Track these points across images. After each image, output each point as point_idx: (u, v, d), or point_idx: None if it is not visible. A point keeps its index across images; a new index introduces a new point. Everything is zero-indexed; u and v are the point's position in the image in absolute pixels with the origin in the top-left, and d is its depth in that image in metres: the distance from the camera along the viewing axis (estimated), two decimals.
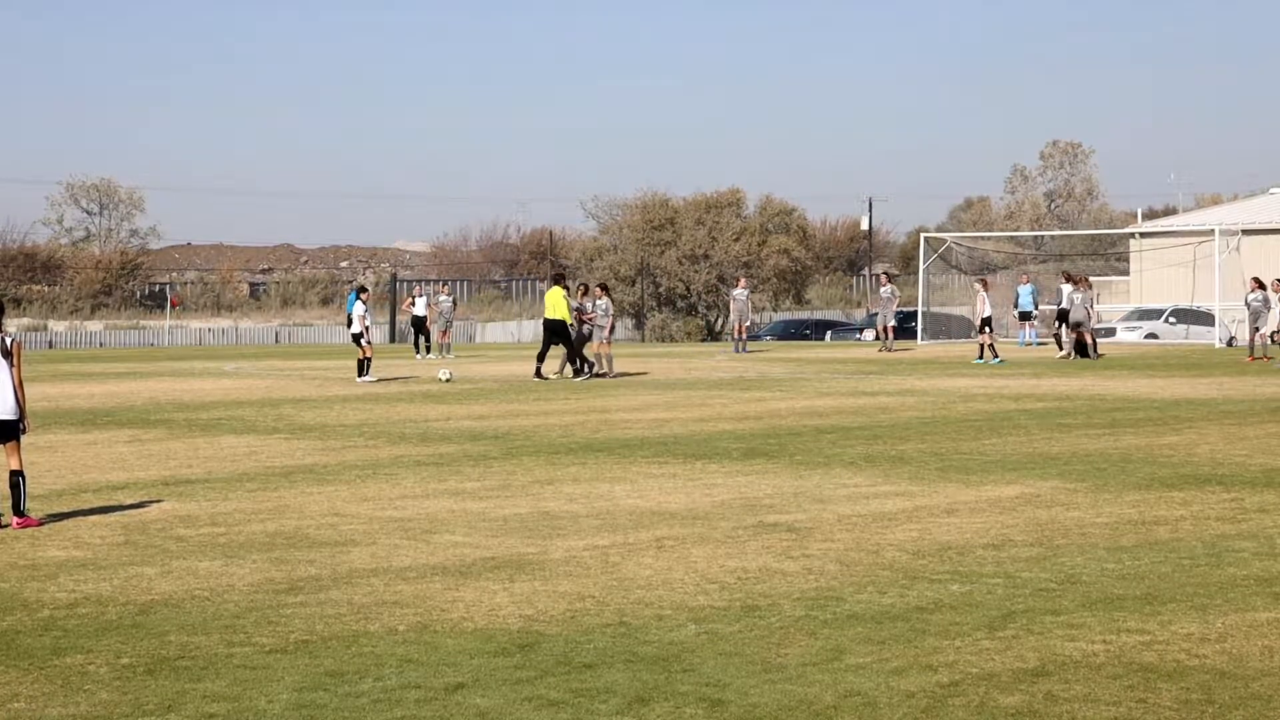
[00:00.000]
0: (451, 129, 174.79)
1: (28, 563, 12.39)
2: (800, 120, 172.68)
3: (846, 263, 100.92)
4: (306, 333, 72.83)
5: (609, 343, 35.46)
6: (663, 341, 66.10)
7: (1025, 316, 47.25)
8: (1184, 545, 12.48)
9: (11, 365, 14.15)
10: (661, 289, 71.19)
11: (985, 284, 42.88)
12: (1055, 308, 43.08)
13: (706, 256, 70.70)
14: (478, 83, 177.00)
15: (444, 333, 47.07)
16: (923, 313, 54.01)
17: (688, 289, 70.95)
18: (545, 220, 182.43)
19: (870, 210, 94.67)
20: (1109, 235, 69.38)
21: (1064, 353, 41.05)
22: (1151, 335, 51.41)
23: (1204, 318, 50.76)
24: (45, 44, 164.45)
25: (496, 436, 21.80)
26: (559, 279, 36.28)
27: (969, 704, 8.04)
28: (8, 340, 14.19)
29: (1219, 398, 26.99)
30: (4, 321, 14.47)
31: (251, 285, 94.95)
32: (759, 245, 72.37)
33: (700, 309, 71.81)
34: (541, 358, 34.69)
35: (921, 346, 50.16)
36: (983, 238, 69.92)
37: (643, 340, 67.49)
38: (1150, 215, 76.17)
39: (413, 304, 46.76)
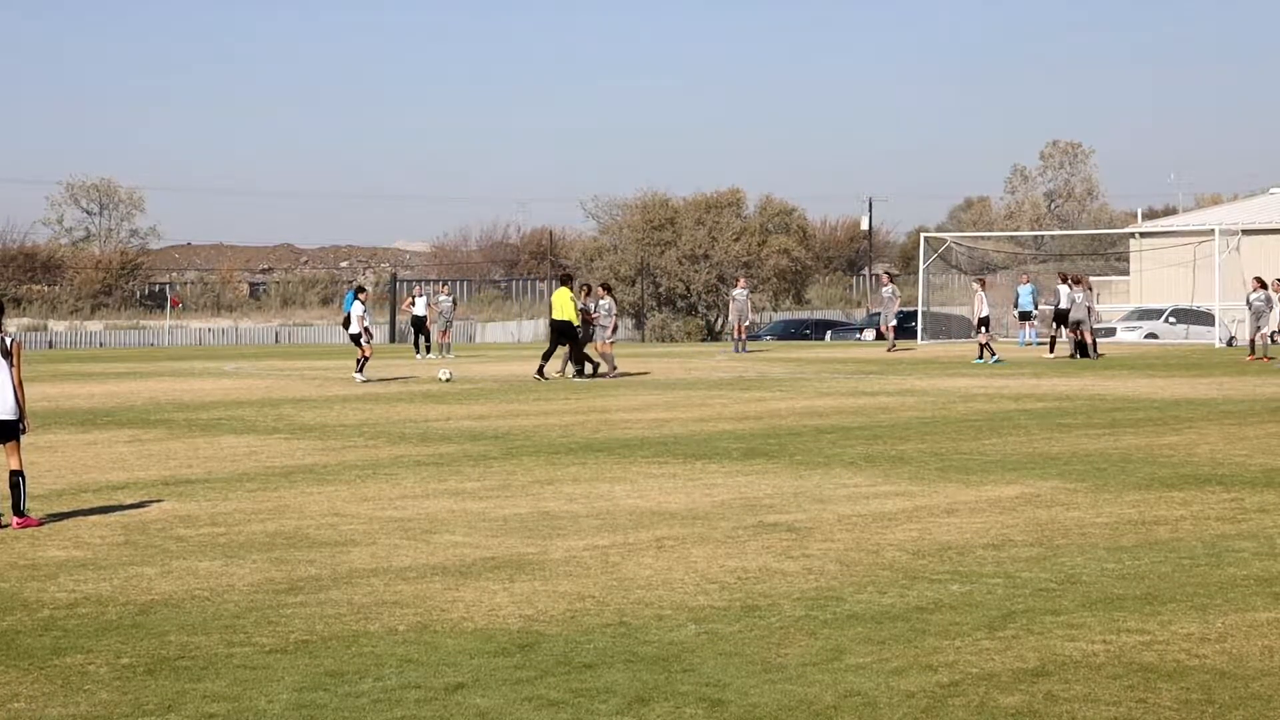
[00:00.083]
0: (451, 129, 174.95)
1: (28, 563, 12.39)
2: (800, 120, 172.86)
3: (846, 263, 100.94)
4: (306, 333, 72.82)
5: (611, 342, 35.48)
6: (663, 341, 66.11)
7: (1025, 316, 47.28)
8: (1184, 545, 12.48)
9: (11, 365, 14.15)
10: (661, 289, 71.19)
11: (983, 284, 42.93)
12: (1053, 308, 43.10)
13: (706, 256, 70.71)
14: (478, 83, 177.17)
15: (444, 333, 47.08)
16: (923, 313, 54.02)
17: (688, 289, 70.95)
18: (545, 220, 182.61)
19: (870, 210, 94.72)
20: (1109, 235, 69.41)
21: (1053, 353, 41.08)
22: (1151, 335, 51.42)
23: (1204, 318, 50.76)
24: (45, 44, 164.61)
25: (496, 436, 21.80)
26: (566, 279, 36.19)
27: (969, 704, 8.04)
28: (8, 340, 14.19)
29: (1219, 398, 26.99)
30: (4, 321, 14.47)
31: (251, 285, 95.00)
32: (759, 245, 72.38)
33: (700, 309, 71.82)
34: (547, 357, 34.68)
35: (922, 346, 50.15)
36: (983, 238, 69.93)
37: (643, 340, 67.49)
38: (1150, 215, 76.21)
39: (413, 304, 46.76)
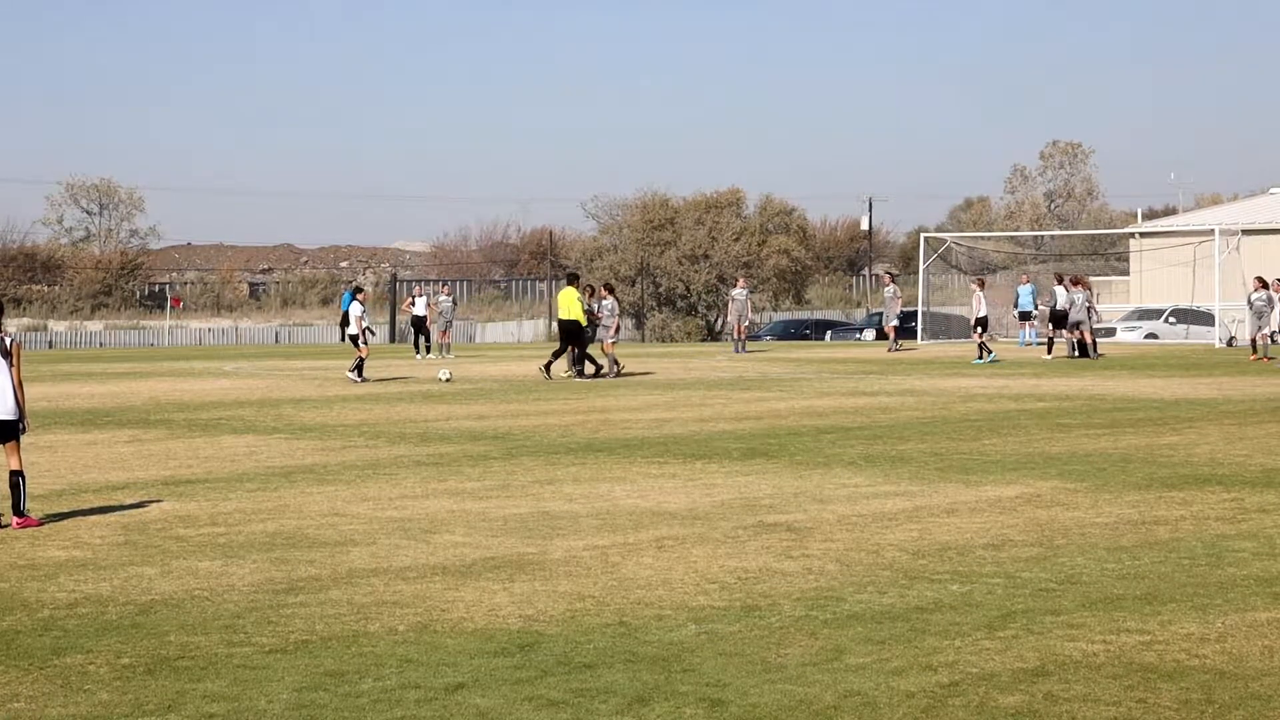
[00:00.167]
0: (451, 129, 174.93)
1: (28, 563, 12.39)
2: (800, 120, 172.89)
3: (846, 263, 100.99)
4: (306, 333, 72.84)
5: (613, 342, 35.48)
6: (663, 341, 66.11)
7: (1025, 316, 47.29)
8: (1184, 545, 12.48)
9: (11, 365, 14.15)
10: (661, 289, 71.20)
11: (981, 284, 42.94)
12: (1050, 309, 43.10)
13: (706, 256, 70.71)
14: (478, 83, 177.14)
15: (444, 333, 47.09)
16: (923, 313, 54.02)
17: (688, 289, 70.96)
18: (545, 220, 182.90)
19: (870, 210, 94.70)
20: (1109, 235, 69.45)
21: (1050, 355, 41.06)
22: (1151, 335, 51.42)
23: (1204, 318, 50.77)
24: (45, 44, 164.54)
25: (496, 436, 21.80)
26: (572, 279, 36.15)
27: (969, 704, 8.04)
28: (7, 340, 14.19)
29: (1219, 398, 26.99)
30: (4, 321, 14.47)
31: (251, 285, 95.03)
32: (759, 245, 72.40)
33: (700, 309, 71.82)
34: (557, 355, 34.66)
35: (922, 346, 50.15)
36: (983, 238, 69.96)
37: (643, 340, 67.49)
38: (1150, 215, 76.24)
39: (413, 304, 46.77)
